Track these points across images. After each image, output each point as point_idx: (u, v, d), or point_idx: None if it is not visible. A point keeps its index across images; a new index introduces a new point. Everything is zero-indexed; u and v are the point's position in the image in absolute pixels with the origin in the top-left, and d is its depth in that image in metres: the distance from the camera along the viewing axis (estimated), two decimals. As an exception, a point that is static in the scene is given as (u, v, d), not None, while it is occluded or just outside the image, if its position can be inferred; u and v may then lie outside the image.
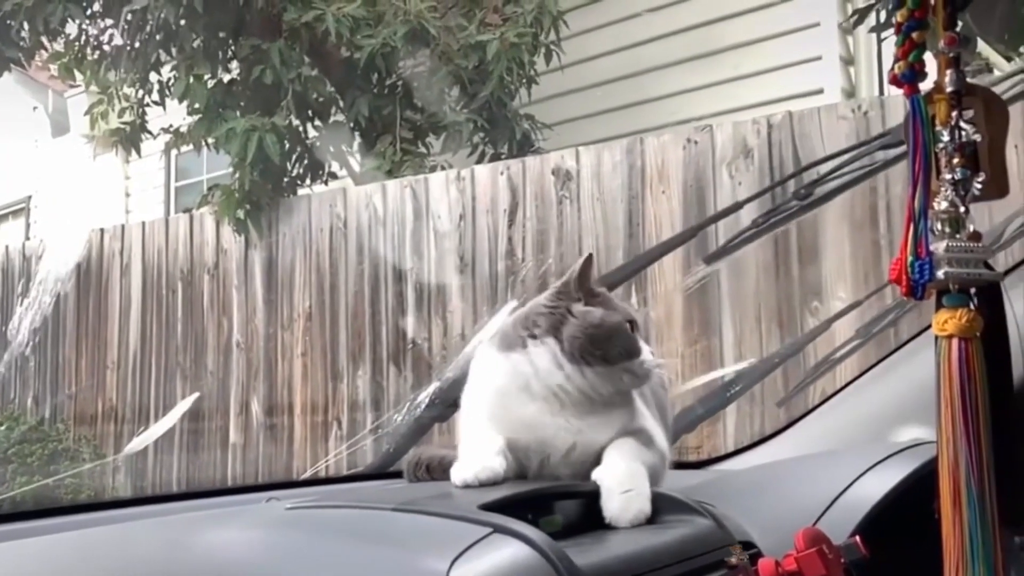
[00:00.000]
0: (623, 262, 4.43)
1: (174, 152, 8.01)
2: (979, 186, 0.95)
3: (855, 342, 2.13)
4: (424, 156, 6.06)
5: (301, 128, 6.36)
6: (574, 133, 6.30)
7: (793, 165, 4.25)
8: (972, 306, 0.94)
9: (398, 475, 1.45)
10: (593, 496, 1.16)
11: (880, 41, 5.21)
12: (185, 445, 6.12)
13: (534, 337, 1.25)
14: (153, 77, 6.78)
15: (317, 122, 6.49)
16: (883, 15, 3.91)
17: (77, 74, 7.71)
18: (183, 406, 6.07)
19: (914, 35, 0.96)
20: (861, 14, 4.18)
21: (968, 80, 0.97)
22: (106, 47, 7.22)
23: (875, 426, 1.60)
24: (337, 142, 6.52)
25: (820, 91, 5.78)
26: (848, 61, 6.01)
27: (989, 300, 0.97)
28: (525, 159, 5.29)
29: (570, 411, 1.22)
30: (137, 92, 6.96)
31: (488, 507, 1.03)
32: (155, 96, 6.88)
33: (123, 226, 7.00)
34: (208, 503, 1.59)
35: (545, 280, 4.75)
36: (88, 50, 7.28)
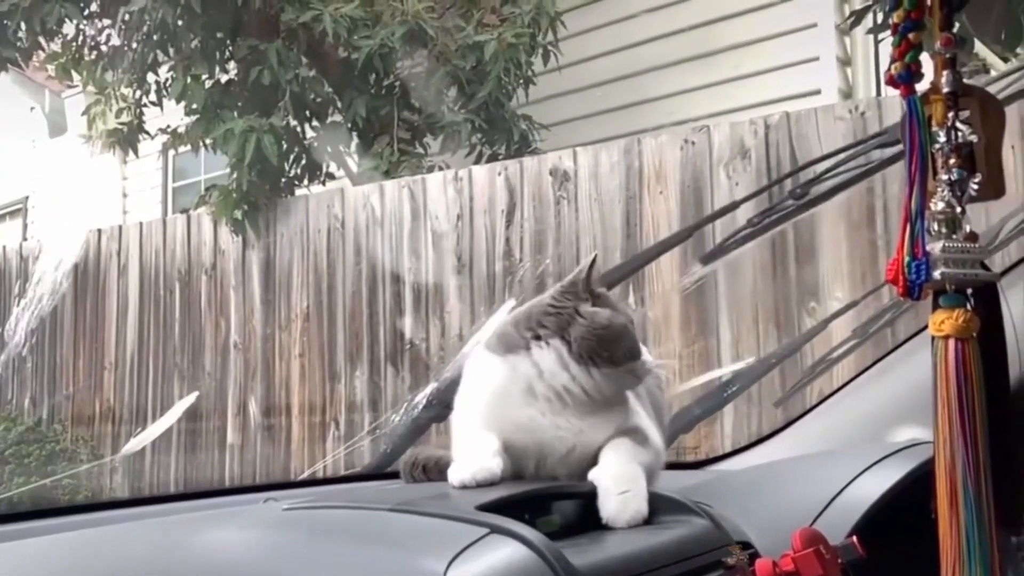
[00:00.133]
0: (620, 262, 4.43)
1: (171, 152, 8.01)
2: (975, 187, 0.95)
3: (852, 342, 2.13)
4: (421, 156, 6.06)
5: (299, 128, 6.36)
6: (572, 133, 6.30)
7: (790, 166, 4.25)
8: (969, 306, 0.95)
9: (395, 476, 1.45)
10: (590, 496, 1.16)
11: (877, 42, 5.22)
12: (183, 446, 6.12)
13: (539, 338, 1.24)
14: (150, 77, 6.77)
15: (315, 122, 6.49)
16: (880, 16, 3.91)
17: (74, 74, 7.71)
18: (182, 406, 6.07)
19: (910, 36, 0.96)
20: (858, 15, 4.18)
21: (964, 81, 0.97)
22: (103, 47, 7.22)
23: (872, 426, 1.60)
24: (335, 142, 6.52)
25: (817, 92, 5.79)
26: (845, 62, 6.01)
27: (986, 300, 0.97)
28: (523, 160, 5.30)
29: (570, 412, 1.22)
30: (134, 92, 6.95)
31: (485, 508, 1.03)
32: (152, 96, 6.88)
33: (120, 227, 6.99)
34: (206, 504, 1.58)
35: (543, 280, 4.76)
36: (85, 50, 7.28)
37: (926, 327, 0.96)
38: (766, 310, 4.29)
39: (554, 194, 4.93)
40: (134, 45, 6.66)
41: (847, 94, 5.88)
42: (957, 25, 0.99)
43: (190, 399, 6.02)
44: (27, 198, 10.73)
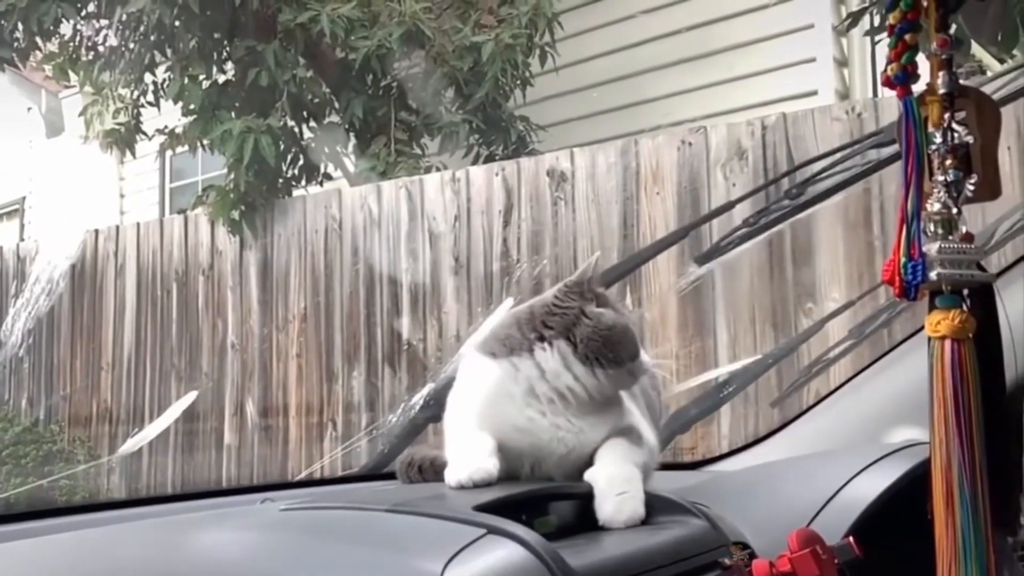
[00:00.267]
0: (616, 263, 4.43)
1: (169, 153, 8.00)
2: (971, 188, 0.96)
3: (848, 343, 2.13)
4: (419, 157, 6.06)
5: (296, 129, 6.36)
6: (569, 134, 6.30)
7: (787, 167, 4.26)
8: (965, 307, 0.95)
9: (392, 476, 1.44)
10: (588, 497, 1.16)
11: (874, 43, 5.22)
12: (180, 446, 6.12)
13: (543, 339, 1.23)
14: (148, 78, 6.77)
15: (312, 123, 6.49)
16: (877, 19, 3.91)
17: (71, 75, 7.70)
18: (180, 405, 6.06)
19: (907, 37, 0.96)
20: (855, 17, 4.18)
21: (960, 82, 0.97)
22: (100, 48, 7.21)
23: (869, 427, 1.60)
24: (332, 143, 6.52)
25: (814, 93, 5.79)
26: (842, 63, 6.02)
27: (982, 301, 0.97)
28: (520, 160, 5.30)
29: (570, 412, 1.21)
30: (132, 93, 6.95)
31: (482, 508, 1.03)
32: (150, 97, 6.88)
33: (118, 227, 6.99)
34: (203, 504, 1.58)
35: (540, 281, 4.76)
36: (82, 51, 7.28)
37: (922, 328, 0.96)
38: (763, 311, 4.29)
39: (551, 195, 4.94)
40: (131, 45, 6.66)
41: (844, 95, 5.89)
42: (953, 27, 0.99)
43: (189, 398, 6.02)
44: (24, 198, 10.72)
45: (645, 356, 1.28)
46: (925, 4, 0.96)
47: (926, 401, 0.94)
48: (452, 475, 1.17)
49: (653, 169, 4.67)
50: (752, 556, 1.12)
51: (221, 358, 6.06)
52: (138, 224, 6.81)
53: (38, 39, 6.87)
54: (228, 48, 6.41)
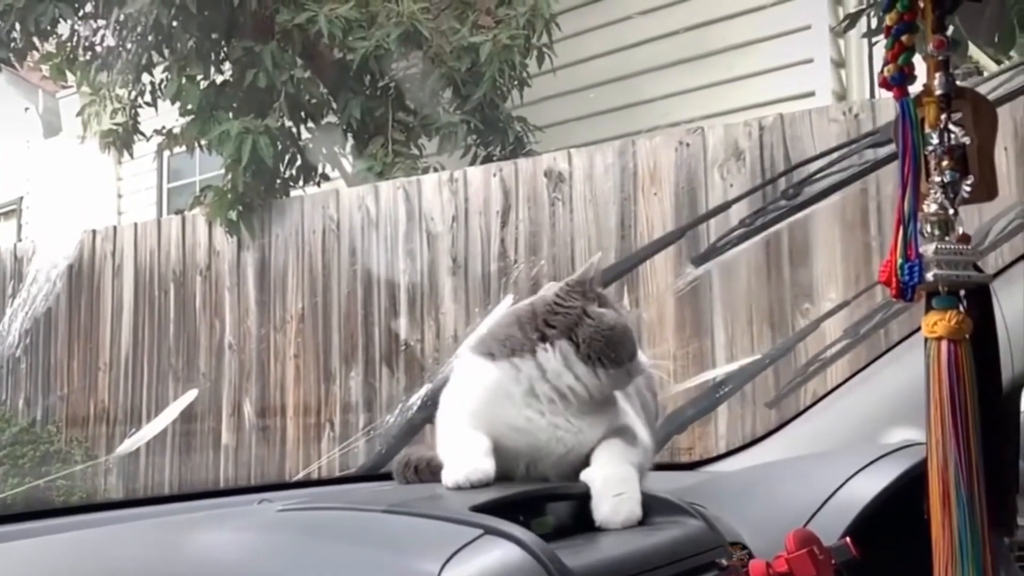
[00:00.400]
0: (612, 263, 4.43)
1: (166, 153, 8.00)
2: (968, 189, 0.96)
3: (844, 342, 2.14)
4: (416, 158, 6.06)
5: (294, 129, 6.36)
6: (566, 135, 6.30)
7: (784, 168, 4.26)
8: (961, 308, 0.95)
9: (389, 477, 1.44)
10: (584, 498, 1.16)
11: (871, 45, 5.23)
12: (177, 447, 6.11)
13: (545, 339, 1.23)
14: (145, 78, 6.77)
15: (310, 124, 6.49)
16: (875, 21, 3.92)
17: (69, 75, 7.70)
18: (179, 404, 6.05)
19: (903, 38, 0.96)
20: (852, 18, 4.19)
21: (957, 83, 0.97)
22: (98, 48, 7.21)
23: (866, 427, 1.60)
24: (329, 144, 6.52)
25: (811, 94, 5.80)
26: (839, 64, 6.02)
27: (978, 302, 0.98)
28: (518, 161, 5.30)
29: (569, 412, 1.21)
30: (129, 93, 6.95)
31: (479, 509, 1.03)
32: (147, 97, 6.87)
33: (115, 227, 6.99)
34: (200, 505, 1.58)
35: (537, 282, 4.76)
36: (80, 51, 7.27)
37: (919, 329, 0.96)
38: (760, 311, 4.30)
39: (549, 195, 4.94)
40: (129, 45, 6.65)
41: (841, 96, 5.89)
42: (950, 28, 0.99)
43: (189, 396, 6.00)
44: (21, 199, 10.71)
45: (642, 356, 1.28)
46: (922, 5, 0.96)
47: (923, 402, 0.94)
48: (449, 476, 1.17)
49: (651, 170, 4.67)
50: (749, 556, 1.12)
51: (219, 358, 6.06)
52: (136, 224, 6.80)
53: (35, 39, 6.86)
54: (226, 48, 6.40)
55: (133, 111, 7.01)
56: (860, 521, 1.23)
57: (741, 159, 4.44)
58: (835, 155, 2.04)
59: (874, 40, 4.24)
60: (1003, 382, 1.05)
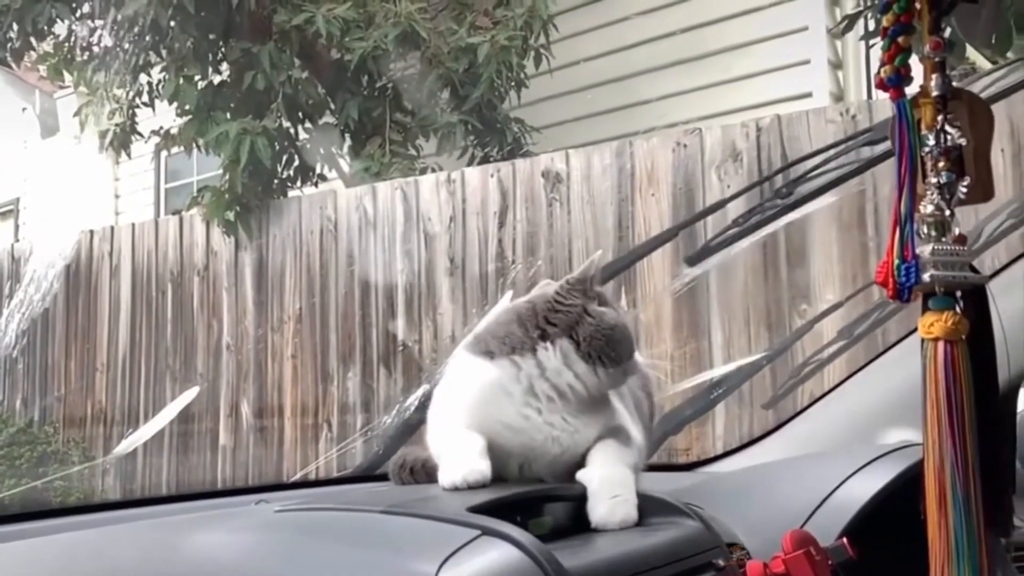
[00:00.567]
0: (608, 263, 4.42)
1: (164, 154, 7.99)
2: (964, 190, 0.96)
3: (840, 343, 2.14)
4: (414, 158, 6.06)
5: (292, 130, 6.36)
6: (564, 136, 6.30)
7: (785, 172, 4.26)
8: (958, 309, 0.95)
9: (386, 477, 1.44)
10: (582, 499, 1.15)
11: (869, 47, 5.24)
12: (175, 447, 6.11)
13: (545, 337, 1.22)
14: (143, 79, 6.76)
15: (307, 124, 6.49)
16: (872, 23, 3.92)
17: (66, 75, 7.69)
18: (180, 403, 6.04)
19: (900, 40, 0.96)
20: (851, 20, 4.20)
21: (953, 84, 0.97)
22: (95, 48, 7.20)
23: (863, 428, 1.61)
24: (327, 144, 6.52)
25: (809, 95, 5.80)
26: (836, 65, 6.03)
27: (975, 303, 0.98)
28: (515, 161, 5.30)
29: (567, 411, 1.21)
30: (127, 94, 6.94)
31: (476, 509, 1.03)
32: (145, 98, 6.87)
33: (113, 228, 6.99)
34: (197, 505, 1.58)
35: (535, 282, 4.74)
36: (77, 51, 7.27)
37: (916, 329, 0.96)
38: (758, 312, 4.30)
39: (546, 196, 4.94)
40: (126, 46, 6.64)
41: (838, 97, 5.90)
42: (947, 29, 0.99)
43: (190, 395, 5.99)
44: (18, 199, 10.70)
45: (638, 356, 1.28)
46: (918, 7, 0.96)
47: (919, 402, 0.95)
48: (446, 476, 1.17)
49: (648, 171, 4.67)
50: (747, 557, 1.12)
51: (216, 359, 6.06)
52: (133, 225, 6.80)
53: (33, 39, 6.86)
54: (223, 49, 6.40)
55: (131, 111, 7.01)
56: (857, 522, 1.23)
57: (738, 160, 4.44)
58: (830, 152, 2.03)
59: (872, 43, 4.25)
60: (999, 383, 1.05)
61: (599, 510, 1.14)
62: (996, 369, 1.03)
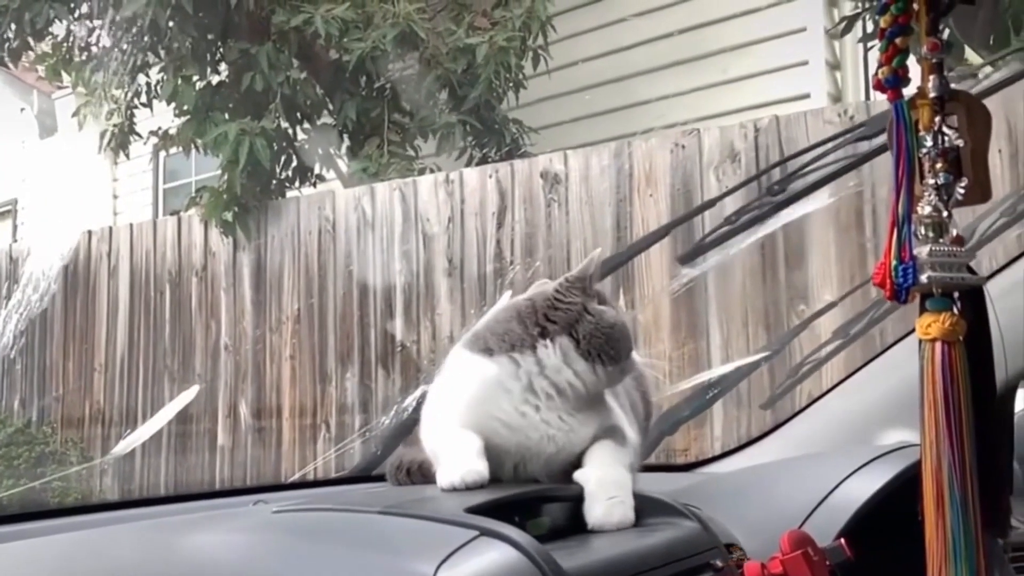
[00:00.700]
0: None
1: (162, 154, 7.99)
2: (962, 191, 0.96)
3: (836, 343, 2.13)
4: (412, 159, 6.06)
5: (290, 130, 6.36)
6: (562, 136, 6.31)
7: (780, 170, 4.26)
8: (955, 310, 0.95)
9: (383, 478, 1.44)
10: (580, 499, 1.15)
11: (867, 48, 5.25)
12: (173, 448, 6.11)
13: (545, 335, 1.22)
14: (141, 79, 6.76)
15: (305, 125, 6.49)
16: (870, 25, 3.93)
17: (64, 75, 7.69)
18: (179, 402, 6.03)
19: (897, 41, 0.96)
20: (849, 22, 4.21)
21: (951, 86, 0.97)
22: (94, 48, 7.20)
23: (860, 429, 1.61)
24: (325, 145, 6.52)
25: (807, 95, 5.81)
26: (834, 66, 6.04)
27: (972, 304, 0.98)
28: (514, 162, 5.30)
29: (564, 409, 1.21)
30: (125, 94, 6.94)
31: (474, 510, 1.03)
32: (143, 98, 6.87)
33: (111, 228, 6.99)
34: (196, 506, 1.58)
35: (533, 283, 4.75)
36: (75, 51, 7.26)
37: (913, 330, 0.97)
38: (756, 313, 4.30)
39: (545, 197, 4.94)
40: (124, 46, 6.64)
41: (836, 98, 5.91)
42: (945, 31, 1.00)
43: (190, 395, 5.98)
44: (16, 199, 10.70)
45: (635, 355, 1.28)
46: (916, 8, 0.96)
47: (917, 403, 0.95)
48: (443, 477, 1.16)
49: (646, 171, 4.67)
50: (744, 558, 1.12)
51: (214, 359, 6.06)
52: (131, 225, 6.80)
53: (31, 39, 6.86)
54: (222, 50, 6.40)
55: (129, 112, 7.00)
56: (855, 522, 1.23)
57: (736, 161, 4.44)
58: (826, 147, 2.03)
59: (870, 44, 4.26)
60: (997, 384, 1.05)
61: (596, 511, 1.13)
62: (993, 370, 1.03)
